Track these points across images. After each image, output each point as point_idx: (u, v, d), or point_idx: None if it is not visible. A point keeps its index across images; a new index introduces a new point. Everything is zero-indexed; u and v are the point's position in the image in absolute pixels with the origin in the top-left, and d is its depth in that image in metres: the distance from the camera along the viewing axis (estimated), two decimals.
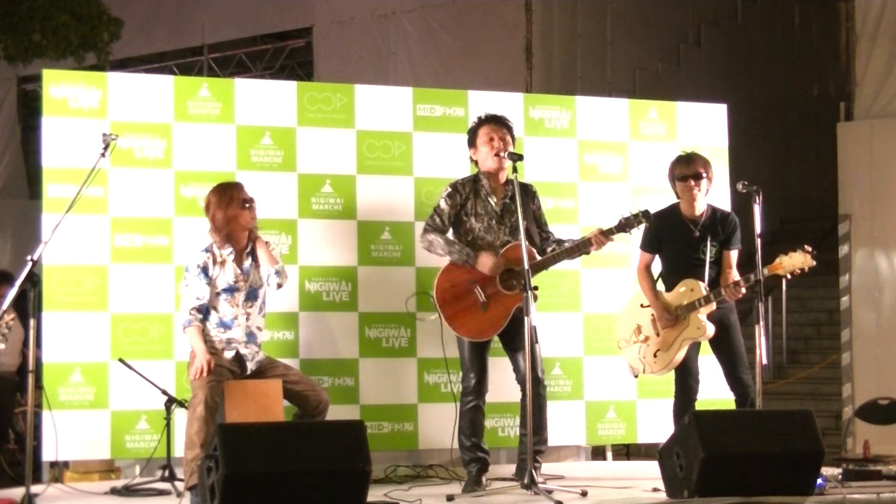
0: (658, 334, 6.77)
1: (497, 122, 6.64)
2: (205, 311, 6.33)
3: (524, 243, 6.23)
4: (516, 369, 6.57)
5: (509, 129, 6.65)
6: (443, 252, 6.52)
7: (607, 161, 7.83)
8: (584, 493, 6.25)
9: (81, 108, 6.94)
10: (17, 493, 5.98)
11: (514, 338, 6.44)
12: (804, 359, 13.11)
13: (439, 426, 7.27)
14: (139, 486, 6.51)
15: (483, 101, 7.64)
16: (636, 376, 7.04)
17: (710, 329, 6.73)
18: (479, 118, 6.71)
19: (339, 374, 7.19)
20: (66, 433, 6.63)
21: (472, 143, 6.68)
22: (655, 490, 6.33)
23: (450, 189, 6.57)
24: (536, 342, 6.28)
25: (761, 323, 6.51)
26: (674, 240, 6.84)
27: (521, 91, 10.73)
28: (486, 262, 6.43)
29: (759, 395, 6.59)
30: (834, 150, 11.48)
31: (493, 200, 6.58)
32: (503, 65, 12.46)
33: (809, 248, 6.59)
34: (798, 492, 5.89)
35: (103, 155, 5.92)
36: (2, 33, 11.49)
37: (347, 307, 7.25)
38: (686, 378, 6.80)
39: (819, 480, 6.08)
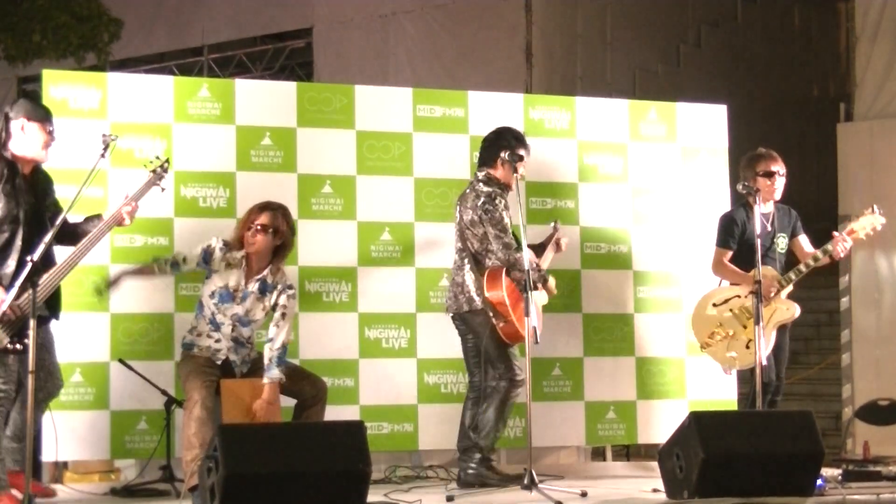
0: (745, 326, 6.84)
1: (527, 147, 6.76)
2: (199, 305, 6.32)
3: (525, 246, 6.30)
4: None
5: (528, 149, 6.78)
6: (522, 272, 6.36)
7: (607, 162, 7.83)
8: (583, 494, 6.25)
9: (81, 109, 6.94)
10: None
11: None
12: (804, 359, 13.08)
13: (439, 427, 7.28)
14: (139, 487, 6.51)
15: (483, 102, 7.65)
16: (729, 374, 7.15)
17: (797, 308, 6.92)
18: (517, 138, 6.76)
19: (339, 375, 7.19)
20: (65, 434, 6.62)
21: (509, 154, 6.66)
22: (655, 491, 6.34)
23: (495, 199, 6.58)
24: (537, 342, 6.32)
25: (760, 323, 6.53)
26: (749, 235, 6.97)
27: (520, 92, 10.73)
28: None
29: (759, 395, 6.61)
30: (834, 150, 11.48)
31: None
32: (503, 65, 12.46)
33: (877, 208, 6.81)
34: (798, 492, 5.90)
35: (103, 156, 5.89)
36: (2, 34, 11.49)
37: (347, 308, 7.25)
38: (765, 371, 6.89)
39: (819, 481, 6.09)
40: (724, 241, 7.10)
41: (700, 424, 5.88)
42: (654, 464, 6.34)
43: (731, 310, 6.94)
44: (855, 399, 10.49)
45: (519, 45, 12.56)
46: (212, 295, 6.27)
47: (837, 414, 11.45)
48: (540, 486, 6.19)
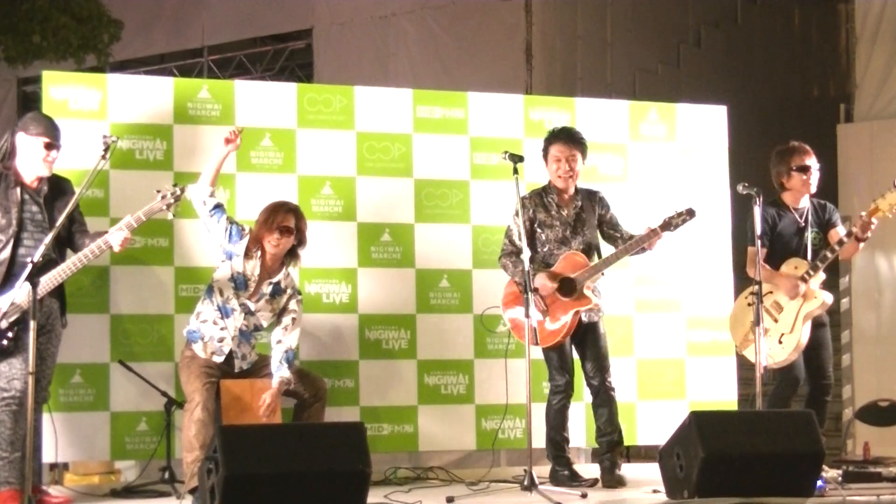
0: (776, 321, 6.85)
1: (568, 141, 6.80)
2: (209, 290, 6.33)
3: (526, 249, 6.38)
4: (584, 372, 6.83)
5: (580, 146, 6.81)
6: (511, 275, 6.72)
7: (607, 162, 7.82)
8: (584, 495, 6.26)
9: (81, 110, 6.94)
10: None
11: (582, 342, 6.79)
12: None
13: (439, 428, 7.28)
14: (139, 488, 6.50)
15: (483, 103, 7.65)
16: (763, 371, 7.11)
17: (829, 297, 6.95)
18: (553, 133, 6.86)
19: (339, 376, 7.18)
20: (66, 435, 6.62)
21: (544, 156, 6.87)
22: (655, 491, 6.34)
23: (516, 208, 6.62)
24: (537, 344, 6.35)
25: (760, 324, 6.53)
26: (783, 231, 7.02)
27: (521, 92, 10.73)
28: (538, 282, 6.60)
29: (759, 396, 6.60)
30: (834, 151, 11.47)
31: (564, 212, 6.81)
32: (503, 66, 12.46)
33: None
34: (798, 493, 5.90)
35: (104, 157, 5.91)
36: (2, 35, 11.48)
37: (347, 309, 7.25)
38: (792, 369, 6.92)
39: (819, 482, 6.08)
40: (752, 238, 7.05)
41: (700, 424, 5.88)
42: (655, 465, 6.33)
43: (764, 306, 6.91)
44: (855, 400, 10.49)
45: (519, 46, 12.56)
46: (231, 278, 6.28)
47: (838, 415, 11.43)
48: (540, 487, 6.19)
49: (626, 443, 7.80)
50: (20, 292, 5.74)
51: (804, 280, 6.88)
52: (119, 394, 6.82)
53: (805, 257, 7.02)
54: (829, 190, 12.20)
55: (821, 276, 6.96)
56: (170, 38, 14.96)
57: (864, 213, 6.85)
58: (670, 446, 6.05)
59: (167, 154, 7.03)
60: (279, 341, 6.34)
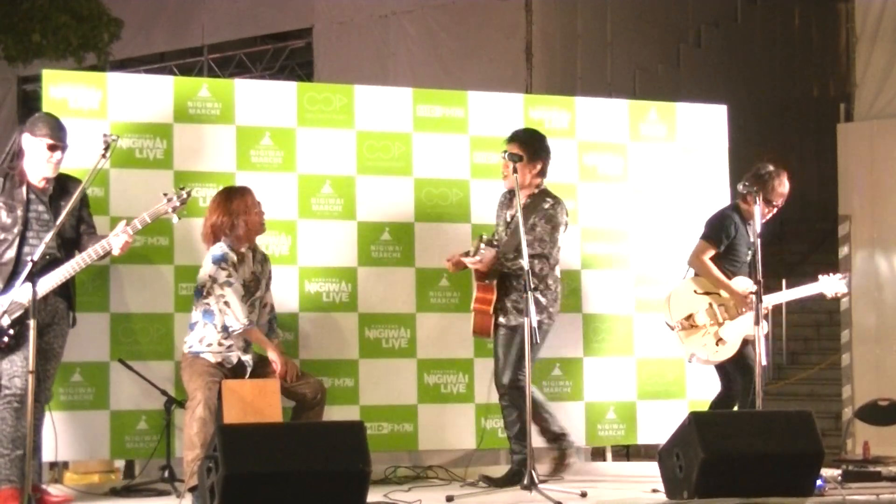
0: (722, 324, 6.84)
1: (508, 141, 6.82)
2: (209, 314, 6.33)
3: (524, 245, 6.36)
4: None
5: (516, 143, 6.80)
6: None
7: (607, 162, 7.82)
8: (583, 494, 6.25)
9: (81, 109, 6.93)
10: None
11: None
12: (804, 360, 13.10)
13: (439, 427, 7.28)
14: (139, 487, 6.50)
15: (483, 102, 7.64)
16: (691, 361, 7.13)
17: (766, 326, 6.94)
18: None
19: (339, 375, 7.18)
20: (65, 434, 6.61)
21: None
22: (655, 491, 6.33)
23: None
24: (537, 342, 6.34)
25: (760, 324, 6.53)
26: (740, 242, 7.05)
27: (520, 92, 10.72)
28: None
29: (759, 395, 6.60)
30: (834, 151, 11.48)
31: (507, 213, 6.90)
32: (503, 65, 12.46)
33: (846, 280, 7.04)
34: (798, 493, 5.90)
35: (104, 156, 5.92)
36: (2, 34, 11.48)
37: (347, 308, 7.24)
38: (735, 372, 6.89)
39: (819, 481, 6.09)
40: (715, 237, 7.06)
41: (700, 424, 5.89)
42: (654, 464, 6.33)
43: (710, 304, 6.92)
44: (855, 399, 10.50)
45: (519, 45, 12.56)
46: (243, 298, 6.32)
47: (837, 414, 11.45)
48: (540, 486, 6.20)
49: (627, 442, 7.82)
50: (22, 291, 5.74)
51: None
52: (119, 393, 6.82)
53: (749, 274, 6.99)
54: (829, 189, 12.25)
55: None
56: (170, 37, 14.96)
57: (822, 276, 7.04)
58: (670, 446, 6.05)
59: (167, 153, 7.03)
60: (265, 304, 6.49)
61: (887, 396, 8.10)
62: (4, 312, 5.82)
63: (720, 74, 14.51)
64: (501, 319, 6.73)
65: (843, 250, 11.14)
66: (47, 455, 6.52)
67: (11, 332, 5.83)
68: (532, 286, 6.31)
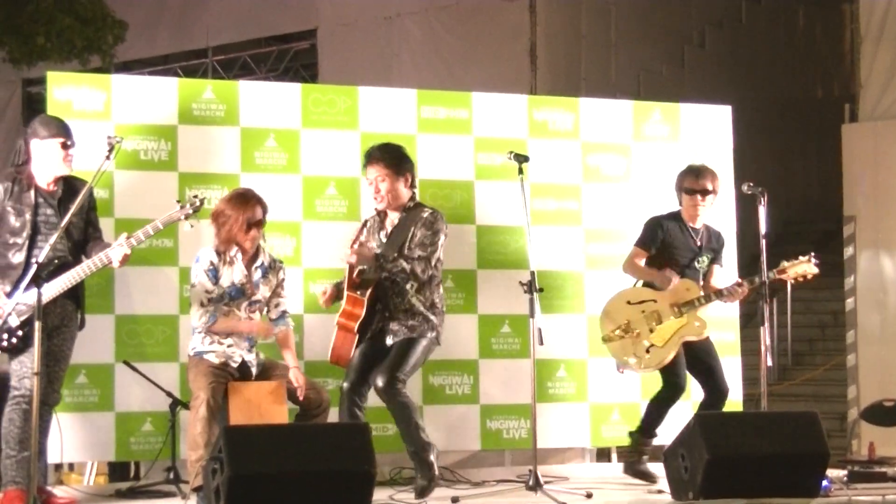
0: (651, 330, 6.79)
1: (368, 162, 6.50)
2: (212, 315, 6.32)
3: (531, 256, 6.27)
4: None
5: (380, 162, 6.44)
6: None
7: (611, 163, 7.81)
8: (589, 495, 6.25)
9: (86, 111, 6.93)
10: None
11: None
12: (809, 360, 13.08)
13: (444, 428, 7.26)
14: (144, 488, 6.50)
15: (487, 103, 7.64)
16: (622, 372, 7.07)
17: (707, 329, 6.80)
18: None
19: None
20: (70, 435, 6.60)
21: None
22: (660, 492, 6.33)
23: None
24: (542, 344, 6.30)
25: (766, 324, 6.52)
26: (675, 245, 6.95)
27: (525, 93, 10.68)
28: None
29: (764, 396, 6.60)
30: (838, 151, 11.48)
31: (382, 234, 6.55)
32: (507, 67, 12.46)
33: (813, 256, 6.69)
34: (803, 494, 5.89)
35: (108, 158, 5.92)
36: (6, 36, 11.49)
37: None
38: (673, 375, 6.84)
39: (824, 482, 6.08)
40: (642, 242, 6.99)
41: (705, 425, 5.88)
42: (659, 465, 6.33)
43: (643, 311, 6.88)
44: (860, 400, 10.49)
45: (523, 47, 12.57)
46: (220, 297, 6.27)
47: (843, 415, 11.44)
48: (545, 487, 6.19)
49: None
50: (30, 293, 5.75)
51: (693, 305, 6.81)
52: (124, 394, 6.82)
53: (696, 280, 6.94)
54: (833, 190, 12.25)
55: (708, 307, 6.90)
56: (174, 39, 14.97)
57: (771, 273, 6.77)
58: (675, 447, 6.05)
59: (172, 154, 7.03)
60: (276, 304, 6.44)
61: (892, 397, 8.09)
62: (12, 313, 5.83)
63: (724, 75, 14.50)
64: (390, 340, 6.39)
65: (848, 251, 11.14)
66: (52, 457, 6.52)
67: (20, 332, 5.83)
68: (414, 289, 6.27)
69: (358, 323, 6.32)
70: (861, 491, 6.31)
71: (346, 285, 6.40)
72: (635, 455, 6.94)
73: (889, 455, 7.22)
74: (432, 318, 6.40)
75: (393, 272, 6.31)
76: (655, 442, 7.00)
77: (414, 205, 6.51)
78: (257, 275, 6.37)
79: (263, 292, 6.40)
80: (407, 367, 6.33)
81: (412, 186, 6.53)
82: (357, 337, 6.35)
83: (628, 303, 6.91)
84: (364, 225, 6.43)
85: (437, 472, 6.29)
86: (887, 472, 6.71)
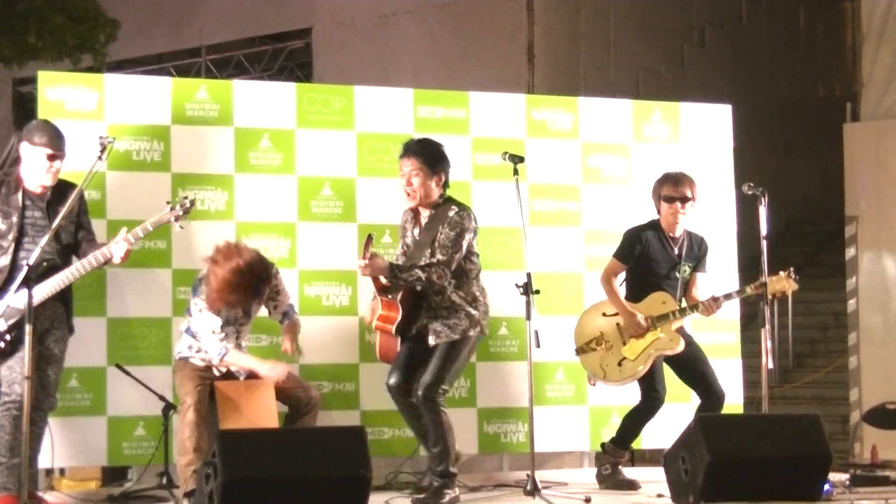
0: (624, 343, 6.74)
1: (403, 154, 6.42)
2: (192, 333, 6.26)
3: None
4: None
5: (416, 156, 6.37)
6: None
7: (610, 163, 7.76)
8: (587, 500, 6.22)
9: (78, 111, 6.87)
10: None
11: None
12: (810, 363, 13.04)
13: None
14: (136, 494, 6.45)
15: (485, 103, 7.59)
16: (594, 384, 7.01)
17: (682, 344, 6.75)
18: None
19: (340, 379, 7.13)
20: (62, 440, 6.56)
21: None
22: (660, 496, 6.30)
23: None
24: (539, 346, 6.23)
25: (767, 326, 6.47)
26: (654, 257, 6.87)
27: (523, 92, 10.65)
28: None
29: (765, 399, 6.56)
30: (840, 151, 11.45)
31: (416, 230, 6.48)
32: (505, 66, 12.42)
33: (794, 274, 6.60)
34: (805, 497, 5.87)
35: (100, 158, 5.87)
36: None
37: (347, 311, 7.18)
38: (651, 389, 6.78)
39: (826, 486, 6.07)
40: (619, 254, 6.91)
41: (706, 428, 5.85)
42: (659, 469, 6.28)
43: (617, 324, 6.82)
44: (862, 402, 10.46)
45: (521, 46, 12.52)
46: (227, 322, 6.24)
47: (845, 418, 11.40)
48: (543, 491, 6.15)
49: (632, 446, 7.73)
50: (19, 296, 5.68)
51: (668, 318, 6.72)
52: (117, 398, 6.76)
53: (673, 290, 6.85)
54: (834, 190, 12.20)
55: (685, 320, 6.83)
56: (167, 38, 14.93)
57: (749, 287, 6.70)
58: (675, 450, 6.01)
59: (165, 155, 6.97)
60: (276, 306, 6.44)
61: (895, 400, 8.05)
62: (0, 317, 5.76)
63: (724, 75, 14.47)
64: (433, 341, 6.33)
65: (850, 252, 11.10)
66: (44, 461, 6.46)
67: (8, 336, 5.78)
68: (453, 285, 6.24)
69: (395, 325, 6.31)
70: (863, 495, 6.29)
71: (375, 291, 6.37)
72: (609, 468, 6.87)
73: (892, 458, 7.20)
74: (474, 312, 6.35)
75: (408, 281, 6.24)
76: (656, 445, 6.94)
77: (443, 202, 6.44)
78: (243, 318, 6.36)
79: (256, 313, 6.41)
80: (450, 375, 6.32)
81: (445, 186, 6.45)
82: (399, 338, 6.35)
83: (603, 314, 6.88)
84: (369, 239, 6.27)
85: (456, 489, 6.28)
86: (890, 475, 6.69)
